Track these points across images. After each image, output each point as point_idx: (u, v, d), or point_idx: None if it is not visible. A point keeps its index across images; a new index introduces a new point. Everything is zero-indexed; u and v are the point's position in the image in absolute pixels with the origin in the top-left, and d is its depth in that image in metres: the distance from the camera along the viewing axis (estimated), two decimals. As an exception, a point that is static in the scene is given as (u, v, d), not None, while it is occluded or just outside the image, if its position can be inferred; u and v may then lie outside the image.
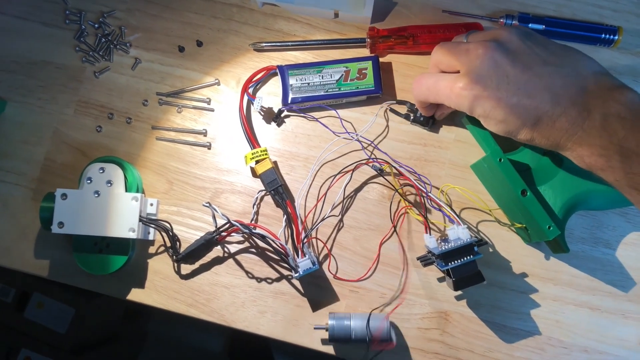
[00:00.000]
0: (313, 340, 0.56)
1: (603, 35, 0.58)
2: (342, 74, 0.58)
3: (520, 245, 0.57)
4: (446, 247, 0.52)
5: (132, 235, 0.53)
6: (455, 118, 0.59)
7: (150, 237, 0.57)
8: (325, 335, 0.54)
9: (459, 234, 0.53)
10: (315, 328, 0.54)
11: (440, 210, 0.55)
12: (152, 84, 0.60)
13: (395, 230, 0.57)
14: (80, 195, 0.53)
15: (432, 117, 0.58)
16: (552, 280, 0.57)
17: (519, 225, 0.55)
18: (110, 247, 0.56)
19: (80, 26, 0.61)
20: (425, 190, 0.56)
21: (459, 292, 0.56)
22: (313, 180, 0.58)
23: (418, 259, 0.56)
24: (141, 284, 0.57)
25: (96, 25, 0.61)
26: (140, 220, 0.54)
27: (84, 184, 0.54)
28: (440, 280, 0.57)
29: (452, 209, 0.55)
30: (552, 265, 0.57)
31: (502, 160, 0.53)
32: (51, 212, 0.53)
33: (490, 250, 0.57)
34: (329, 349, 0.56)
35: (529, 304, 0.56)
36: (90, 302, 1.20)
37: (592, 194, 0.54)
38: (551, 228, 0.51)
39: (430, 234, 0.54)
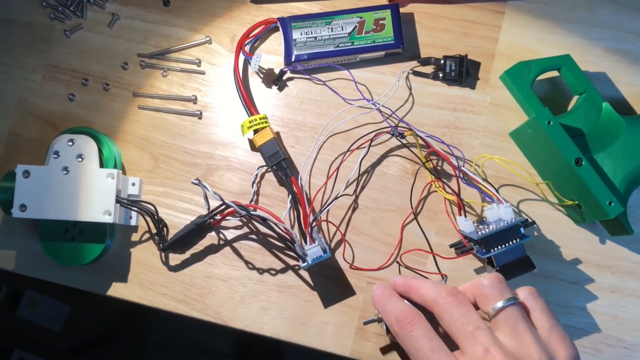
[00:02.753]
0: (325, 342, 0.48)
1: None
2: (356, 26, 0.49)
3: (571, 227, 0.49)
4: (486, 230, 0.43)
5: (108, 219, 0.45)
6: (490, 77, 0.50)
7: (133, 223, 0.49)
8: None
9: (500, 214, 0.44)
10: (364, 323, 0.44)
11: (476, 187, 0.46)
12: (132, 44, 0.53)
13: (415, 217, 0.48)
14: (45, 173, 0.45)
15: (465, 69, 0.48)
16: (609, 268, 0.48)
17: (570, 203, 0.47)
18: (84, 234, 0.47)
19: (48, -22, 0.53)
20: (457, 164, 0.47)
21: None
22: (318, 153, 0.50)
23: (451, 246, 0.48)
24: (123, 278, 0.49)
25: (67, -23, 0.53)
26: (117, 201, 0.46)
27: (50, 159, 0.46)
28: (479, 270, 0.48)
29: (491, 185, 0.46)
30: (610, 251, 0.48)
31: (552, 123, 0.44)
32: (12, 193, 0.45)
33: (535, 233, 0.49)
34: (345, 351, 0.47)
35: (582, 296, 0.48)
36: (87, 298, 1.16)
37: (662, 163, 0.45)
38: (613, 204, 0.43)
39: (465, 216, 0.45)
